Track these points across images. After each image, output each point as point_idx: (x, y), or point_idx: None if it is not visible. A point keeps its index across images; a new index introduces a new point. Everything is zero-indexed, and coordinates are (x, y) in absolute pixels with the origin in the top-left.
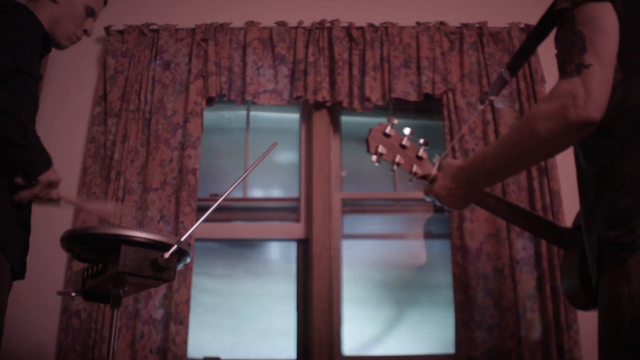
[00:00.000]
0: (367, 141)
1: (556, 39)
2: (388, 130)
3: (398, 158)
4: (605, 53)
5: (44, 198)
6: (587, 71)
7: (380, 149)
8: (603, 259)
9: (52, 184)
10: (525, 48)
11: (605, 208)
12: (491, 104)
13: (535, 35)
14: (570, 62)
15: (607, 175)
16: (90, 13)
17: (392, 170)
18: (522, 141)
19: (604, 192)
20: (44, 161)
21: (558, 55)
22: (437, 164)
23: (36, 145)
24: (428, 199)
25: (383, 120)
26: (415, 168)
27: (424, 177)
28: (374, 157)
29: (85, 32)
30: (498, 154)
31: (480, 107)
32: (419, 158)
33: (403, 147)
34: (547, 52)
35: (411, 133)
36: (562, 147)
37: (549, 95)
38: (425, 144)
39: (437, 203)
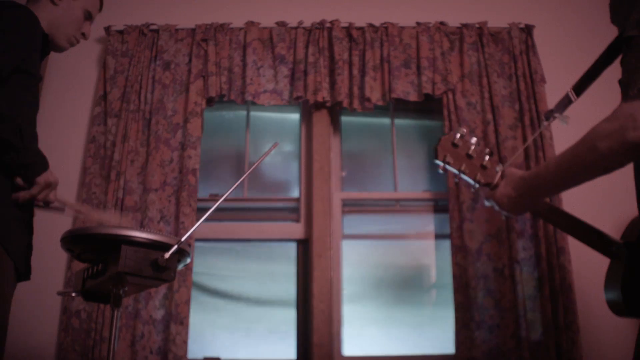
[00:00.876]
0: (435, 150)
1: (622, 63)
2: (456, 140)
3: (463, 167)
4: None
5: (43, 200)
6: None
7: (448, 158)
8: None
9: (49, 186)
10: (592, 71)
11: None
12: (554, 120)
13: (602, 59)
14: (634, 87)
15: None
16: (88, 17)
17: (457, 178)
18: (583, 156)
19: None
20: (40, 163)
21: (622, 79)
22: (500, 173)
23: (32, 148)
24: (487, 204)
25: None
26: (478, 177)
27: (487, 185)
28: (440, 166)
29: (84, 35)
30: (559, 167)
31: (546, 123)
32: (484, 167)
33: (469, 157)
34: (547, 52)
35: (477, 142)
36: (619, 165)
37: (610, 115)
38: (490, 153)
39: (496, 208)
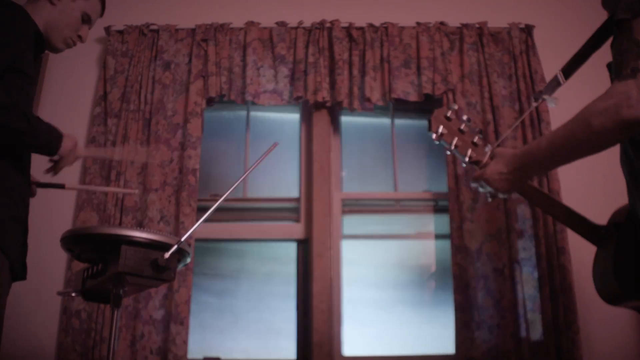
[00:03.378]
0: (429, 121)
1: (612, 46)
2: (449, 114)
3: (456, 141)
4: None
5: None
6: None
7: (441, 129)
8: None
9: (72, 151)
10: (581, 54)
11: None
12: (543, 102)
13: (591, 42)
14: (626, 66)
15: None
16: (87, 20)
17: (449, 151)
18: (576, 133)
19: None
20: (55, 137)
21: (614, 60)
22: (489, 152)
23: (42, 127)
24: (474, 184)
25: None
26: (470, 152)
27: (476, 162)
28: (434, 136)
29: (80, 38)
30: (552, 144)
31: (534, 104)
32: (475, 144)
33: (461, 131)
34: (547, 52)
35: (468, 120)
36: (612, 142)
37: (604, 94)
38: (480, 132)
39: (484, 188)
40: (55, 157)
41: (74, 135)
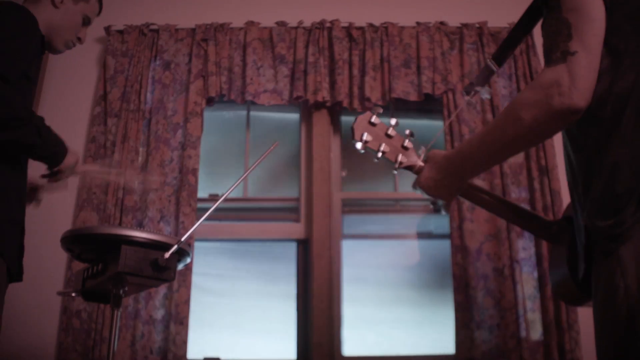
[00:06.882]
0: (352, 129)
1: (542, 27)
2: (373, 119)
3: (383, 147)
4: (591, 40)
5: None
6: (573, 58)
7: (366, 136)
8: (592, 250)
9: (73, 165)
10: (512, 38)
11: (593, 198)
12: (476, 94)
13: (522, 24)
14: (556, 50)
15: (595, 164)
16: (87, 22)
17: (377, 159)
18: (507, 129)
19: (592, 181)
20: (61, 151)
21: (544, 44)
22: (422, 156)
23: (50, 138)
24: (417, 192)
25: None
26: (400, 157)
27: (409, 168)
28: (359, 145)
29: (79, 39)
30: (483, 142)
31: (467, 97)
32: (405, 148)
33: (389, 136)
34: None
35: (396, 124)
36: (546, 135)
37: (533, 83)
38: (411, 135)
39: (425, 195)
40: (55, 168)
41: (76, 133)
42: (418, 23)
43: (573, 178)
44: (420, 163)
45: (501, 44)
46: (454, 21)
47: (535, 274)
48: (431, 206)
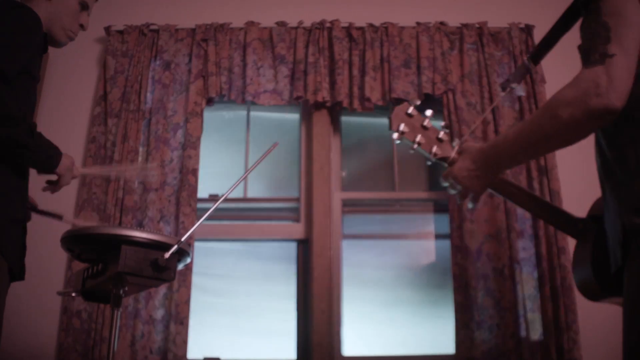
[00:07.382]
0: (389, 119)
1: (581, 29)
2: (410, 110)
3: (419, 138)
4: (629, 44)
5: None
6: (611, 60)
7: (402, 127)
8: (629, 247)
9: (69, 170)
10: (549, 38)
11: (630, 195)
12: (512, 90)
13: (559, 25)
14: (595, 52)
15: (631, 162)
16: (85, 7)
17: (412, 149)
18: (543, 125)
19: (627, 178)
20: (55, 154)
21: (582, 45)
22: (456, 148)
23: (44, 143)
24: (444, 184)
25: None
26: (435, 149)
27: (443, 159)
28: (396, 135)
29: (82, 26)
30: (519, 137)
31: (502, 93)
32: (440, 140)
33: (424, 128)
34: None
35: (432, 115)
36: (582, 134)
37: (572, 82)
38: (447, 127)
39: (453, 189)
40: (54, 177)
41: (76, 133)
42: (418, 23)
43: (607, 175)
44: (454, 154)
45: (538, 43)
46: (454, 21)
47: (535, 274)
48: (458, 200)
